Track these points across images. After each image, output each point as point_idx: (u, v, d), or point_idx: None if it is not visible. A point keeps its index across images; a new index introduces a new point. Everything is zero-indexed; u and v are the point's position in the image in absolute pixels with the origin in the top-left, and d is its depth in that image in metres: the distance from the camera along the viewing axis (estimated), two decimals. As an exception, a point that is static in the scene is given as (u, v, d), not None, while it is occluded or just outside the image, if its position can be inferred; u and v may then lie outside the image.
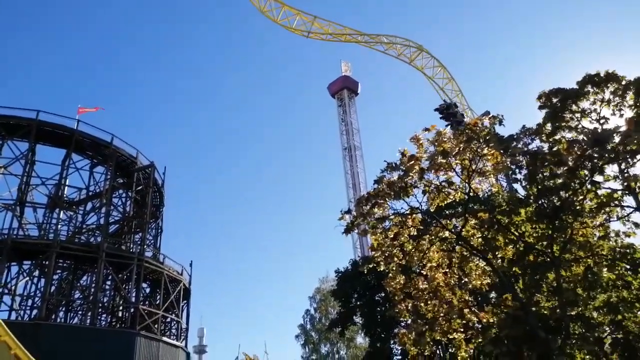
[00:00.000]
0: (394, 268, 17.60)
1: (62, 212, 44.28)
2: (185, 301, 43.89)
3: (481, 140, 15.38)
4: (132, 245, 45.57)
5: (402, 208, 16.41)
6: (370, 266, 17.83)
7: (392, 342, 35.03)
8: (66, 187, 44.27)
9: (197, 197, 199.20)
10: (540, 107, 17.79)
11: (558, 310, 17.14)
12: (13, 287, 41.24)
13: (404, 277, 18.15)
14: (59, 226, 42.74)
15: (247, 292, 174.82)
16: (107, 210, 42.27)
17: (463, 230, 17.32)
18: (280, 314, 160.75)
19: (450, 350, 26.57)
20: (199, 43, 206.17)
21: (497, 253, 17.90)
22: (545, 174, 17.10)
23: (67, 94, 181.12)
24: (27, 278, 42.43)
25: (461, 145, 15.34)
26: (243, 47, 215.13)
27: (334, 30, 69.33)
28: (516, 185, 19.65)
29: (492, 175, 16.70)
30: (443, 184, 16.38)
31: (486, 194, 21.11)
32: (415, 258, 17.26)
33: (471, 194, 16.92)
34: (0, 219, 47.44)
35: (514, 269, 18.66)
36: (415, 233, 16.78)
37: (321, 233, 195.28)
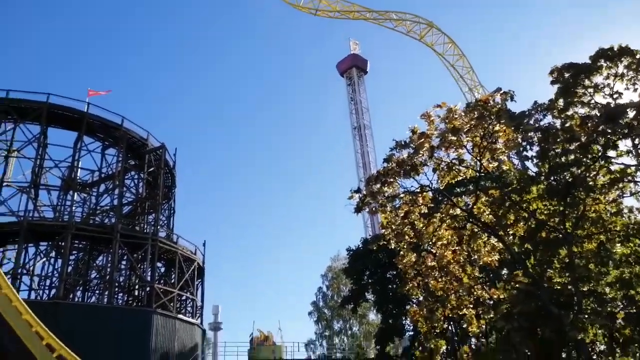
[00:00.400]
0: (405, 246, 17.74)
1: (75, 194, 44.89)
2: (199, 280, 44.63)
3: (493, 117, 15.26)
4: (145, 226, 46.24)
5: (412, 186, 16.44)
6: (381, 244, 17.99)
7: (404, 318, 35.47)
8: (79, 170, 44.77)
9: (208, 180, 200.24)
10: (553, 82, 17.53)
11: (570, 286, 17.20)
12: (31, 268, 42.24)
13: (414, 254, 18.29)
14: (74, 208, 43.45)
15: (260, 271, 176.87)
16: (120, 192, 42.84)
17: (474, 207, 17.33)
18: (292, 292, 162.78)
19: (462, 326, 26.86)
20: (202, 26, 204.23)
21: (508, 230, 17.91)
22: (557, 151, 16.95)
23: (75, 77, 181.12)
24: (45, 259, 43.39)
25: (472, 122, 15.24)
26: (251, 28, 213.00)
27: (342, 7, 68.41)
28: (527, 163, 19.53)
29: (503, 153, 16.61)
30: (454, 161, 16.34)
31: (497, 171, 21.05)
32: (426, 236, 17.35)
33: (482, 171, 16.87)
34: (15, 202, 48.25)
35: (525, 246, 18.68)
36: (426, 211, 16.83)
37: (332, 213, 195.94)
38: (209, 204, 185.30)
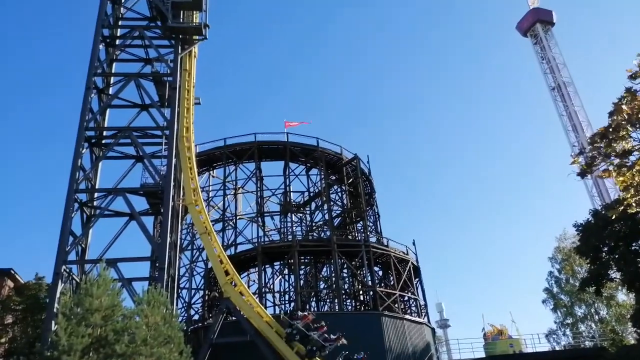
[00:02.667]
0: (652, 209, 14.66)
1: (293, 215, 50.05)
2: (417, 279, 44.80)
3: None
4: (356, 234, 48.74)
5: (647, 138, 13.52)
6: (621, 209, 15.22)
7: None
8: (291, 193, 49.92)
9: (406, 176, 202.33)
10: None
11: None
12: (271, 286, 48.33)
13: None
14: (294, 228, 48.52)
15: (477, 263, 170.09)
16: (329, 207, 46.24)
17: None
18: (518, 281, 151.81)
19: None
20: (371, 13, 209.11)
21: None
22: None
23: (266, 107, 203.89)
24: (280, 276, 49.21)
25: None
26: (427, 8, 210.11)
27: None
28: None
29: None
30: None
31: None
32: (680, 193, 14.04)
33: None
34: (248, 231, 56.20)
35: None
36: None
37: (544, 190, 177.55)
38: (411, 203, 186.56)
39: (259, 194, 46.61)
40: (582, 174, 13.98)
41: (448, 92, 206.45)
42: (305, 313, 29.25)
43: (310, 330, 27.37)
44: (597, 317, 51.64)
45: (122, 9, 35.74)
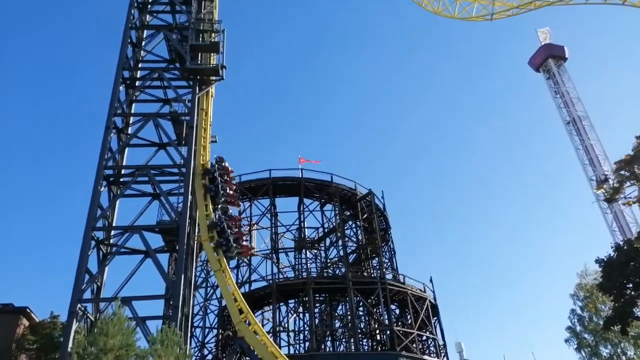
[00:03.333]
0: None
1: (307, 251, 49.67)
2: (435, 317, 43.74)
3: None
4: (372, 271, 48.06)
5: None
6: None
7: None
8: (306, 229, 49.69)
9: (422, 213, 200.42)
10: None
11: None
12: (286, 325, 47.48)
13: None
14: (309, 264, 48.04)
15: (496, 301, 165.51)
16: (344, 243, 45.88)
17: None
18: (538, 319, 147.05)
19: None
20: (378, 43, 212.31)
21: None
22: None
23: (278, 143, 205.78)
24: (295, 315, 48.38)
25: None
26: (431, 48, 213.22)
27: (519, 1, 63.27)
28: None
29: None
30: None
31: None
32: None
33: None
34: (263, 268, 55.74)
35: None
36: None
37: (562, 225, 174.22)
38: (427, 240, 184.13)
39: (273, 230, 46.52)
40: (609, 200, 13.75)
41: (463, 128, 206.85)
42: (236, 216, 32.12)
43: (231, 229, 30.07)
44: (624, 357, 49.42)
45: (142, 52, 37.02)
